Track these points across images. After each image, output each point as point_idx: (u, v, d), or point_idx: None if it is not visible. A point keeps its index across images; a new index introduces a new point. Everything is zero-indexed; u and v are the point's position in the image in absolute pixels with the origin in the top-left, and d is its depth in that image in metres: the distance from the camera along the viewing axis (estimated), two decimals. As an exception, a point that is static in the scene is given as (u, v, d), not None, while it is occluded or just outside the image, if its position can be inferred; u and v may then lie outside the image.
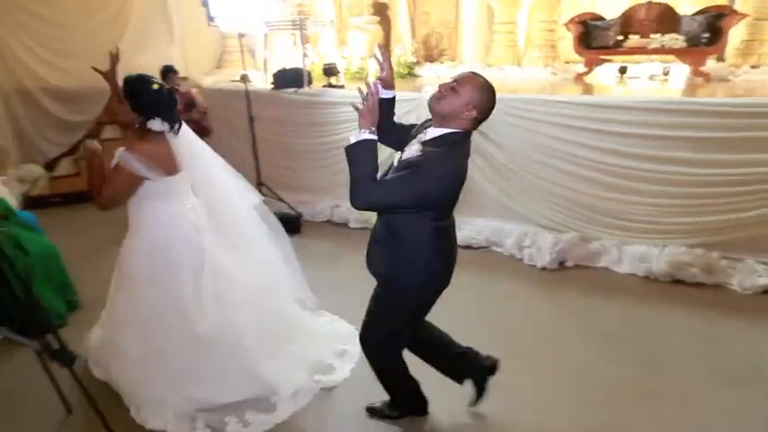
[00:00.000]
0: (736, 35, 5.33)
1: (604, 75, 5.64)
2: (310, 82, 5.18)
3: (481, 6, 6.58)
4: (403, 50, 6.60)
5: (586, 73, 5.50)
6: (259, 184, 4.70)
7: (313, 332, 2.84)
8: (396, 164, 1.86)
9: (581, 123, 3.75)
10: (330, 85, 5.04)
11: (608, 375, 2.58)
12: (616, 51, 5.42)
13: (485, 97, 1.76)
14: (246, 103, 4.47)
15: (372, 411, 2.37)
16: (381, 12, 7.14)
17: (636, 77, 5.50)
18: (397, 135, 1.96)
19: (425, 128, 1.85)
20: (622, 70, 5.52)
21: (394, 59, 6.46)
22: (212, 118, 5.48)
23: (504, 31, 6.43)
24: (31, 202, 5.31)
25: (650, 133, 3.52)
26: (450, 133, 1.77)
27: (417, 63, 6.81)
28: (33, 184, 5.78)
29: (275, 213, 4.68)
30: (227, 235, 2.52)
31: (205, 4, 3.82)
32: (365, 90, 1.75)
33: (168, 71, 4.56)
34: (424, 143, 1.78)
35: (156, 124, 2.19)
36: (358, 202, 1.72)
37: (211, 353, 2.34)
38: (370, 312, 2.07)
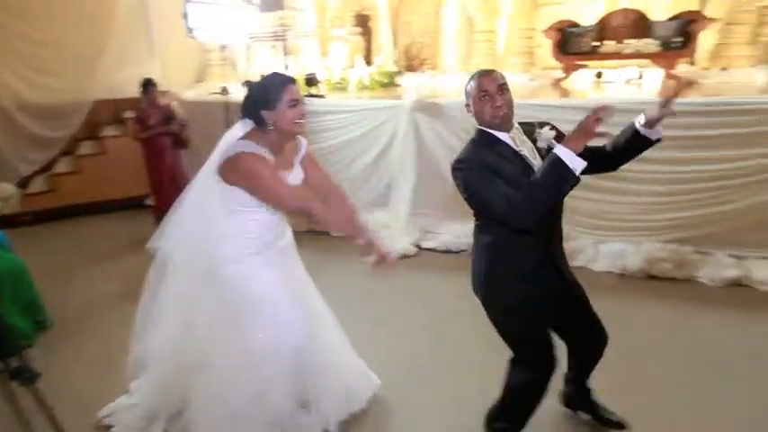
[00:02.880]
0: (706, 39, 5.45)
1: (581, 80, 5.73)
2: (291, 92, 5.21)
3: (461, 16, 6.70)
4: (384, 60, 6.68)
5: (564, 78, 5.59)
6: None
7: None
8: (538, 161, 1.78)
9: (558, 126, 3.81)
10: (311, 95, 5.09)
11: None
12: (592, 57, 5.52)
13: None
14: (225, 114, 4.50)
15: None
16: (363, 23, 7.24)
17: (611, 82, 5.59)
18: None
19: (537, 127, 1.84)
20: (599, 75, 5.62)
21: (374, 68, 6.56)
22: (193, 131, 5.51)
23: (484, 40, 6.53)
24: (1, 221, 5.24)
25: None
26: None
27: (399, 72, 6.89)
28: (5, 202, 5.71)
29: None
30: None
31: (185, 16, 3.82)
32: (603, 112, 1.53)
33: (147, 84, 4.59)
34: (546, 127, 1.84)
35: None
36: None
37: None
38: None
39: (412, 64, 7.25)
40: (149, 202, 5.54)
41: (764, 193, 3.30)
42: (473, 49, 6.68)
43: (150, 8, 6.27)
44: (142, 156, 4.80)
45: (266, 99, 1.85)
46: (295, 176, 2.02)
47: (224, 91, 4.65)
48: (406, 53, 7.26)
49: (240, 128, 1.99)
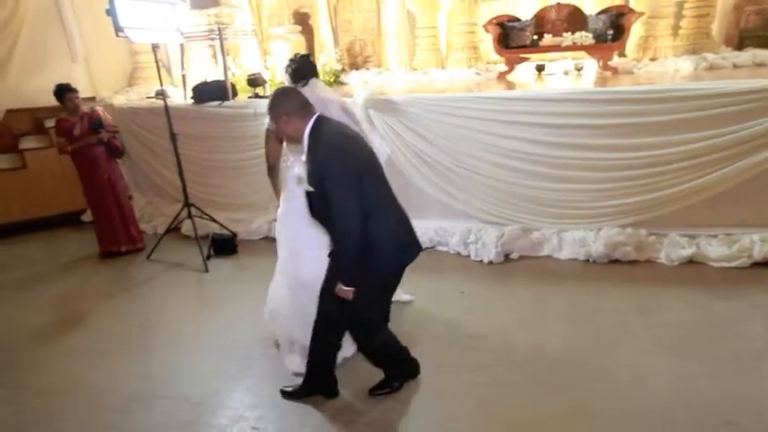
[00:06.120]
0: (634, 32, 5.78)
1: (523, 73, 5.88)
2: (235, 94, 4.95)
3: (402, 12, 6.67)
4: (328, 58, 6.52)
5: (508, 72, 5.71)
6: (187, 205, 4.37)
7: None
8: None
9: (510, 117, 3.86)
10: (257, 96, 4.85)
11: (563, 358, 2.65)
12: (533, 50, 5.67)
13: (280, 102, 2.12)
14: (166, 119, 4.15)
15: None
16: (303, 21, 7.04)
17: (552, 74, 5.79)
18: None
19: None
20: (540, 68, 5.79)
21: (319, 67, 6.37)
22: (126, 138, 5.09)
23: (427, 36, 6.55)
24: None
25: (574, 123, 3.70)
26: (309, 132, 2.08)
27: (343, 70, 6.76)
28: None
29: (209, 236, 4.47)
30: None
31: (111, 14, 3.44)
32: None
33: (64, 91, 4.15)
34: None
35: None
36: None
37: None
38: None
39: (356, 61, 7.14)
40: (85, 218, 5.10)
41: (708, 174, 3.51)
42: (416, 46, 6.69)
43: (66, 8, 5.70)
44: (75, 170, 4.40)
45: None
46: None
47: (162, 94, 4.29)
48: (349, 51, 7.14)
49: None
